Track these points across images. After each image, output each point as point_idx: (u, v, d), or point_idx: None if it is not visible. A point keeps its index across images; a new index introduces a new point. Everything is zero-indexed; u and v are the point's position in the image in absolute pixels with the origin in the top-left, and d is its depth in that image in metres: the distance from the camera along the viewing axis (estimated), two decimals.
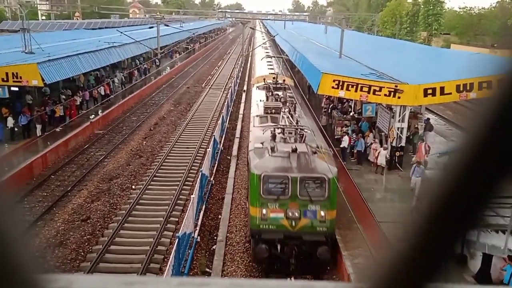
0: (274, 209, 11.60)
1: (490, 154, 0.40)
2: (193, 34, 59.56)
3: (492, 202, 0.42)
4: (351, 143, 19.60)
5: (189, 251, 12.42)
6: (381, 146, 18.69)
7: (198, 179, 14.97)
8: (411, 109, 19.40)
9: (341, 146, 19.37)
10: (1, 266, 0.45)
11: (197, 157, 20.46)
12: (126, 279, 0.61)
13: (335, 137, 21.07)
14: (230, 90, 33.44)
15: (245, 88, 36.43)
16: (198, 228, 13.81)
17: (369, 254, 11.52)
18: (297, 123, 14.77)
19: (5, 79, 20.84)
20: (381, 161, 18.02)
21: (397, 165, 18.40)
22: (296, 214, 11.58)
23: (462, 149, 0.42)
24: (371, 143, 19.26)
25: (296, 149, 11.96)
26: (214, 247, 13.14)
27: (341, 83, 17.98)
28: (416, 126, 20.97)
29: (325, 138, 16.07)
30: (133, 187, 17.36)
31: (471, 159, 0.41)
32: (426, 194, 0.45)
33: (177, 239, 10.84)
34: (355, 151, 19.69)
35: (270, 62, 29.23)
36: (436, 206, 0.44)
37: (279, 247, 11.56)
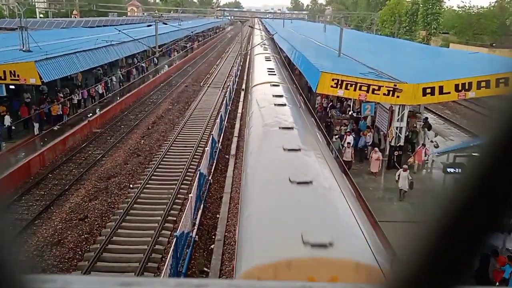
0: None
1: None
2: (192, 32, 59.44)
3: None
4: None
5: (187, 250, 12.38)
6: (380, 148, 18.59)
7: (196, 178, 14.93)
8: (410, 108, 19.40)
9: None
10: None
11: (195, 156, 20.43)
12: (123, 280, 0.60)
13: (335, 136, 21.02)
14: (228, 89, 33.40)
15: (243, 86, 36.37)
16: (196, 227, 13.77)
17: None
18: None
19: (2, 77, 20.79)
20: (403, 185, 15.53)
21: (396, 164, 18.40)
22: None
23: (484, 152, 0.41)
24: (370, 144, 19.20)
25: None
26: (212, 246, 13.11)
27: (340, 82, 17.97)
28: (415, 125, 20.98)
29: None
30: (131, 186, 17.31)
31: (497, 161, 0.41)
32: (448, 196, 0.44)
33: (175, 239, 10.80)
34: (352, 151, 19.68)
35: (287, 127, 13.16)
36: (457, 209, 0.43)
37: None
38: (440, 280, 0.43)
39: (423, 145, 18.82)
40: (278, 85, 19.59)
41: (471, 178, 0.41)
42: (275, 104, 15.31)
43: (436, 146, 19.69)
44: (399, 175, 15.85)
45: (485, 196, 0.41)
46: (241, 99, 32.49)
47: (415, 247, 0.44)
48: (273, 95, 16.76)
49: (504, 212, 0.41)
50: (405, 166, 16.06)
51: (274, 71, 24.00)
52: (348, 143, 18.20)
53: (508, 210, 0.41)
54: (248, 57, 47.90)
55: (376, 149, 18.09)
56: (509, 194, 0.40)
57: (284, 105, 15.36)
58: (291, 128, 12.12)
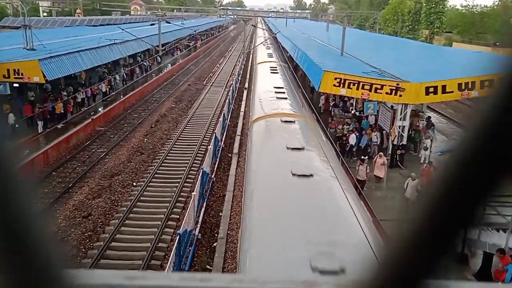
0: None
1: (490, 152, 0.40)
2: (195, 31, 59.48)
3: (492, 201, 0.41)
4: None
5: (190, 248, 12.44)
6: (382, 147, 18.56)
7: (199, 177, 14.98)
8: (412, 107, 19.39)
9: (350, 144, 19.14)
10: (30, 260, 0.45)
11: (198, 155, 20.47)
12: (127, 274, 0.61)
13: (337, 135, 21.04)
14: (231, 88, 33.42)
15: (246, 85, 36.40)
16: (199, 225, 13.83)
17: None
18: None
19: (6, 76, 20.86)
20: (412, 194, 14.54)
21: (398, 163, 18.42)
22: None
23: (462, 147, 0.42)
24: (374, 142, 19.17)
25: None
26: (215, 244, 13.16)
27: (342, 81, 17.99)
28: (418, 124, 20.97)
29: None
30: (134, 184, 17.38)
31: (471, 156, 0.41)
32: (426, 190, 0.44)
33: (178, 236, 10.86)
34: (354, 149, 19.70)
35: None
36: (435, 203, 0.44)
37: None
38: (417, 273, 0.45)
39: (430, 162, 16.91)
40: (293, 122, 13.26)
41: (449, 172, 0.43)
42: (293, 174, 8.80)
43: (426, 149, 19.33)
44: (407, 184, 14.75)
45: (462, 191, 0.42)
46: (244, 97, 32.52)
47: (394, 242, 0.47)
48: (287, 147, 10.48)
49: (481, 208, 0.42)
50: (413, 175, 14.83)
51: (284, 93, 17.70)
52: (362, 159, 16.59)
53: (484, 205, 0.42)
54: (251, 56, 47.97)
55: (381, 153, 17.31)
56: (485, 190, 0.41)
57: (311, 176, 8.83)
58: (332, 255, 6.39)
